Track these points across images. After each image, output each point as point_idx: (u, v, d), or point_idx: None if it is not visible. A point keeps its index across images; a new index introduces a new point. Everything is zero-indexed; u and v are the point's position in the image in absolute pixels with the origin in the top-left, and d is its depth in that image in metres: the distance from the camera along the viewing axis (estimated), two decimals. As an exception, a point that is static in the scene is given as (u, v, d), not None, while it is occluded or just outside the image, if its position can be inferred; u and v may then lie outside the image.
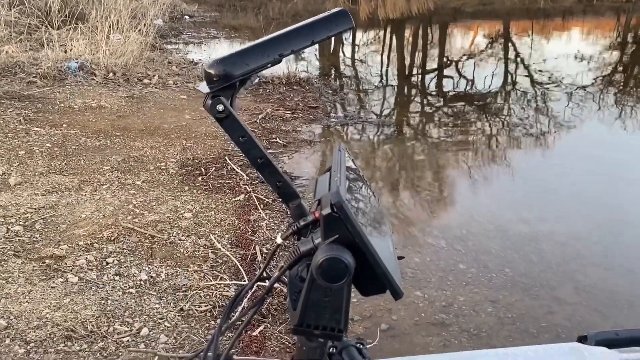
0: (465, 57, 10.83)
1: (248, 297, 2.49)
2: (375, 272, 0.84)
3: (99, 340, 2.41)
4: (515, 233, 3.91)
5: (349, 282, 0.84)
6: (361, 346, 1.06)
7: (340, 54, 11.23)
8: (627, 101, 8.02)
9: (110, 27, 7.64)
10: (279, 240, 1.00)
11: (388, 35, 13.49)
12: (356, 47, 11.77)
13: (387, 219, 1.08)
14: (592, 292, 3.26)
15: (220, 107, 0.86)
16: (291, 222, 0.95)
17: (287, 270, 0.94)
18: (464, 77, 9.15)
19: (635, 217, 4.29)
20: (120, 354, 2.35)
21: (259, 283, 0.97)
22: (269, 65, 0.94)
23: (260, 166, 0.94)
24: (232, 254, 3.20)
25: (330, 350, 1.03)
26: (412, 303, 3.03)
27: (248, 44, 0.91)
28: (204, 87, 0.93)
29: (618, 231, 4.06)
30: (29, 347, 2.31)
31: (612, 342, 1.19)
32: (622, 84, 9.14)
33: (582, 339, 1.25)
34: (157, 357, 2.35)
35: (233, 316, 0.95)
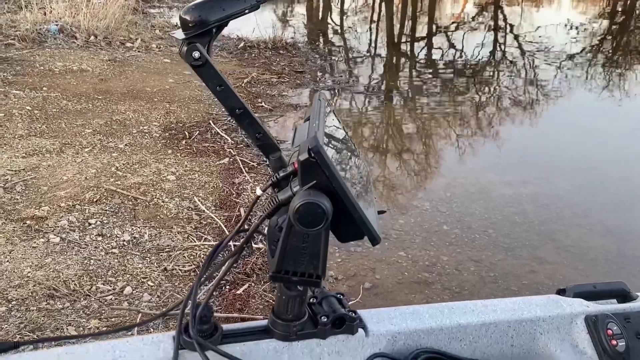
0: (454, 25, 10.72)
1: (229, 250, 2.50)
2: (353, 217, 0.83)
3: (82, 299, 2.41)
4: (498, 195, 3.94)
5: (327, 228, 0.83)
6: (341, 297, 1.06)
7: (329, 20, 11.05)
8: (613, 70, 8.03)
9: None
10: (258, 191, 0.99)
11: (377, 2, 13.27)
12: (345, 14, 11.58)
13: (367, 169, 1.07)
14: (572, 251, 3.31)
15: (196, 54, 0.83)
16: (271, 175, 0.93)
17: (266, 220, 0.93)
18: (453, 46, 9.07)
19: (614, 178, 4.34)
20: (103, 311, 2.35)
21: (238, 238, 0.95)
22: (247, 11, 0.91)
23: (238, 117, 0.92)
24: (216, 216, 3.19)
25: (311, 300, 1.04)
26: (395, 263, 3.05)
27: None
28: (179, 34, 0.89)
29: (598, 192, 4.11)
30: (10, 305, 2.30)
31: (590, 295, 1.20)
32: (608, 53, 9.13)
33: (561, 292, 1.27)
34: (140, 315, 2.36)
35: (212, 270, 0.95)
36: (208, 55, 0.87)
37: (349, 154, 1.05)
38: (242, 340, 0.94)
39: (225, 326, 0.98)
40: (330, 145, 0.94)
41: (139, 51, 6.53)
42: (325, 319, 0.95)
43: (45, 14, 6.96)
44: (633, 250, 3.36)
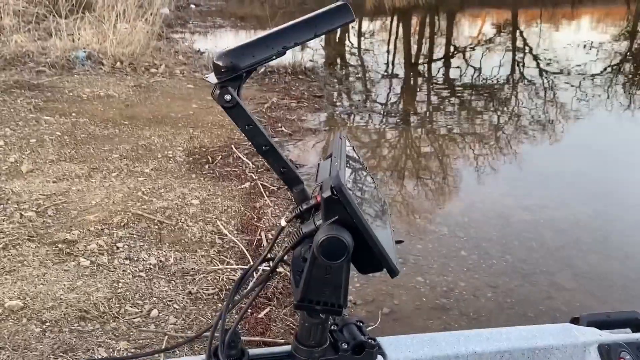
0: (472, 46, 10.81)
1: (254, 278, 2.58)
2: (373, 251, 0.91)
3: (111, 321, 2.51)
4: (516, 220, 3.97)
5: (348, 261, 0.91)
6: (361, 324, 1.14)
7: (347, 43, 11.24)
8: (634, 90, 8.02)
9: (117, 16, 7.70)
10: (283, 223, 1.07)
11: (394, 24, 13.45)
12: (362, 37, 11.77)
13: (386, 204, 1.16)
14: (590, 277, 3.33)
15: (227, 97, 0.93)
16: (295, 207, 1.02)
17: (290, 251, 1.02)
18: (471, 66, 9.15)
19: (634, 203, 4.34)
20: (131, 333, 2.45)
21: (264, 265, 1.04)
22: (274, 57, 1.01)
23: (265, 153, 1.01)
24: (238, 240, 3.29)
25: (332, 327, 1.11)
26: (413, 288, 3.11)
27: (254, 37, 0.98)
28: (212, 78, 1.00)
29: (617, 217, 4.11)
30: (44, 326, 2.41)
31: (604, 324, 1.25)
32: (630, 73, 9.12)
33: (575, 321, 1.32)
34: (166, 337, 2.45)
35: (239, 297, 1.03)
36: (239, 97, 0.97)
37: (369, 188, 1.13)
38: None
39: (252, 351, 1.06)
40: (351, 180, 1.02)
41: (163, 77, 6.75)
42: (346, 346, 1.00)
43: (73, 40, 7.23)
44: (652, 277, 3.37)
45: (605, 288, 3.24)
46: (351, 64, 9.41)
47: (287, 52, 0.95)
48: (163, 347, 2.35)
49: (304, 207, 0.98)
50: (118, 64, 6.87)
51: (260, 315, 2.68)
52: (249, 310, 2.71)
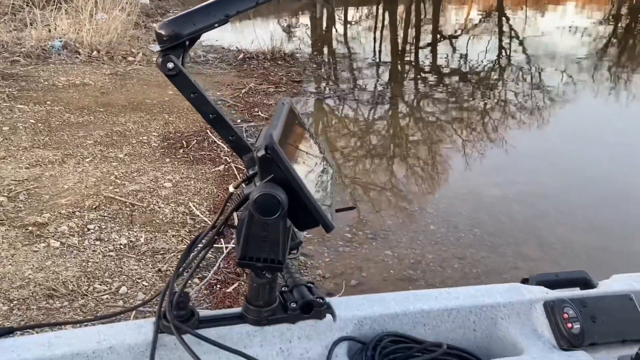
0: (459, 33, 10.83)
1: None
2: (307, 207, 0.95)
3: (80, 298, 2.54)
4: (486, 195, 4.04)
5: (284, 217, 0.95)
6: (311, 285, 1.18)
7: (332, 31, 11.21)
8: (613, 73, 8.11)
9: (94, 5, 7.64)
10: (231, 188, 1.11)
11: (380, 12, 13.42)
12: (348, 24, 11.74)
13: (332, 168, 1.19)
14: (556, 247, 3.41)
15: (170, 65, 0.95)
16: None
17: (234, 212, 1.05)
18: (457, 52, 9.19)
19: (602, 177, 4.43)
20: (99, 309, 2.49)
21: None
22: (216, 25, 1.03)
23: (212, 121, 1.04)
24: (210, 220, 3.32)
25: (283, 288, 1.15)
26: (381, 261, 3.17)
27: (196, 6, 1.00)
28: (155, 47, 1.03)
29: (585, 191, 4.20)
30: (12, 304, 2.44)
31: (553, 283, 1.30)
32: (611, 56, 9.21)
33: (525, 281, 1.37)
34: (134, 312, 2.49)
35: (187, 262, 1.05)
36: (182, 65, 1.00)
37: (312, 151, 1.17)
38: (218, 325, 1.03)
39: (202, 312, 1.09)
40: (291, 144, 1.06)
41: (140, 65, 6.72)
42: (294, 305, 1.05)
43: (49, 30, 7.17)
44: (615, 246, 3.45)
45: (570, 257, 3.31)
46: (335, 51, 9.41)
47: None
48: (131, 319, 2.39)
49: (250, 172, 1.02)
50: (95, 52, 6.83)
51: (228, 290, 2.72)
52: (218, 286, 2.76)
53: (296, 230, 1.04)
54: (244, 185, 1.03)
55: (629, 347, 1.14)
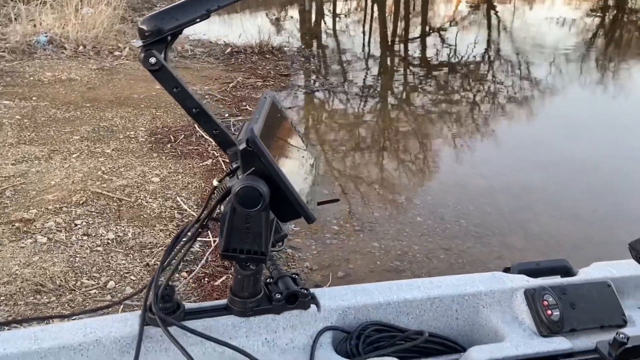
0: (447, 25, 10.84)
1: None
2: (289, 199, 0.96)
3: (67, 293, 2.55)
4: (472, 187, 4.09)
5: (266, 208, 0.96)
6: (296, 276, 1.19)
7: (321, 24, 11.17)
8: (601, 64, 8.18)
9: (80, 0, 7.57)
10: (215, 182, 1.13)
11: (369, 4, 13.38)
12: (337, 17, 11.71)
13: (315, 160, 1.20)
14: (541, 237, 3.46)
15: (152, 60, 0.95)
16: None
17: (218, 205, 1.07)
18: (445, 44, 9.21)
19: (587, 168, 4.49)
20: (87, 304, 2.50)
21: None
22: (197, 20, 1.04)
23: (195, 115, 1.04)
24: (197, 214, 3.33)
25: (268, 280, 1.17)
26: (368, 253, 3.20)
27: (178, 1, 1.00)
28: (137, 42, 1.03)
29: (570, 182, 4.25)
30: (-1, 300, 2.45)
31: (534, 272, 1.32)
32: (599, 47, 9.28)
33: (507, 270, 1.40)
34: (122, 306, 2.50)
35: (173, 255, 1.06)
36: (165, 60, 1.00)
37: (294, 144, 1.18)
38: (203, 316, 1.05)
39: (188, 304, 1.11)
40: (273, 137, 1.07)
41: (127, 59, 6.68)
42: (279, 296, 1.07)
43: (35, 26, 7.10)
44: (599, 235, 3.51)
45: (554, 247, 3.36)
46: (323, 44, 9.38)
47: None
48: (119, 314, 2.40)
49: (234, 166, 1.03)
50: (81, 47, 6.78)
51: (216, 283, 2.74)
52: (206, 279, 2.78)
53: (281, 223, 1.06)
54: (228, 179, 1.04)
55: (607, 333, 1.16)
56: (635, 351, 1.05)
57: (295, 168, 1.10)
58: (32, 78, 5.70)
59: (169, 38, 0.99)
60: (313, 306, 1.11)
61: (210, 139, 1.09)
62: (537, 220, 3.65)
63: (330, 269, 3.02)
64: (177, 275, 2.77)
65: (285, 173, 0.94)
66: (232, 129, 4.67)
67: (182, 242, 1.06)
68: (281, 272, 1.16)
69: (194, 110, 1.04)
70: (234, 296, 1.07)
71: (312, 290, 1.14)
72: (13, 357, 0.95)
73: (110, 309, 1.54)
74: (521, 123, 5.61)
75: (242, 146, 0.91)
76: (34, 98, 5.14)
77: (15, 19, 7.08)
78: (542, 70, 7.33)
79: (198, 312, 1.06)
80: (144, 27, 0.95)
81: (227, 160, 4.07)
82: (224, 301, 1.10)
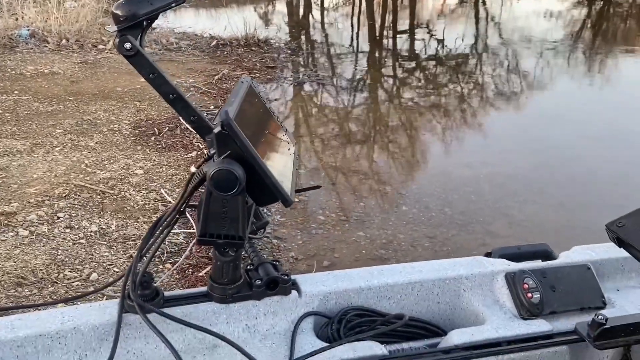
0: (435, 18, 10.84)
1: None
2: (265, 182, 0.96)
3: (49, 286, 2.53)
4: (457, 176, 4.10)
5: (242, 192, 0.95)
6: (276, 263, 1.19)
7: (309, 17, 11.12)
8: (586, 56, 8.23)
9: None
10: (193, 169, 1.11)
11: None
12: (325, 11, 11.67)
13: (293, 144, 1.20)
14: (525, 225, 3.48)
15: (127, 45, 0.94)
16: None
17: (194, 191, 1.05)
18: (433, 37, 9.22)
19: (571, 157, 4.52)
20: (69, 296, 2.47)
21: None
22: (173, 4, 1.02)
23: (172, 101, 1.03)
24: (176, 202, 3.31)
25: (248, 267, 1.16)
26: (354, 242, 3.20)
27: None
28: (112, 27, 1.01)
29: (555, 170, 4.28)
30: (-21, 293, 2.42)
31: (514, 256, 1.32)
32: (584, 40, 9.34)
33: (488, 255, 1.40)
34: (105, 298, 2.48)
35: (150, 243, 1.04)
36: (140, 46, 0.99)
37: (272, 129, 1.18)
38: (183, 303, 1.04)
39: (167, 292, 1.10)
40: (250, 121, 1.06)
41: (111, 53, 6.61)
42: (260, 282, 1.06)
43: (16, 19, 7.01)
44: (582, 222, 3.53)
45: (538, 234, 3.39)
46: (311, 37, 9.35)
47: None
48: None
49: (211, 151, 1.01)
50: (64, 41, 6.70)
51: (200, 274, 2.73)
52: (190, 270, 2.77)
53: (263, 211, 1.05)
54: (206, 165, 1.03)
55: (586, 314, 1.18)
56: (614, 331, 1.07)
57: (273, 152, 1.09)
58: (13, 72, 5.63)
59: (145, 23, 0.97)
60: (294, 292, 1.11)
61: (188, 125, 1.07)
62: (521, 209, 3.68)
63: (315, 258, 3.02)
64: (161, 266, 2.76)
65: (261, 157, 0.94)
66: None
67: (160, 229, 1.05)
68: (262, 259, 1.15)
69: (170, 96, 1.03)
70: (213, 283, 1.06)
71: (293, 276, 1.14)
72: None
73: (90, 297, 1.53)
74: (507, 114, 5.64)
75: (217, 129, 0.90)
76: (15, 92, 5.07)
77: (-4, 12, 6.98)
78: (529, 63, 7.36)
79: (177, 299, 1.05)
80: (118, 12, 0.94)
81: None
82: (204, 288, 1.09)
